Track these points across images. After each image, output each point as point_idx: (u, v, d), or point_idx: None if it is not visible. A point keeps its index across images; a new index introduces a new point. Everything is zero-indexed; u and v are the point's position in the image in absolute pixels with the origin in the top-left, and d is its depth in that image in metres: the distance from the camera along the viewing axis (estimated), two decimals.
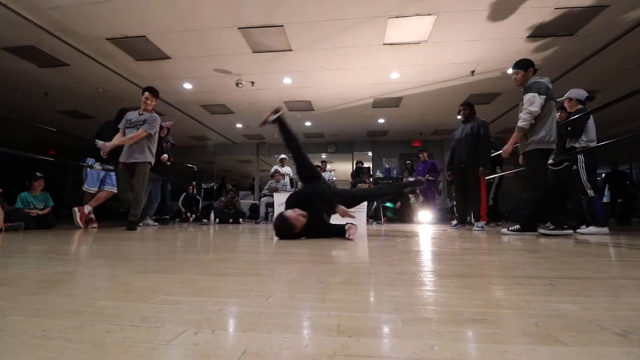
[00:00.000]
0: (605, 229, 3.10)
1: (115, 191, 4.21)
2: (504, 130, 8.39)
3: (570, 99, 3.49)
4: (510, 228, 2.95)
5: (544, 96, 2.70)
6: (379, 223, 6.00)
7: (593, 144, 3.26)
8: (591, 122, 3.33)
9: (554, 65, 5.17)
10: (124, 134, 3.68)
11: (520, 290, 0.83)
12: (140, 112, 3.73)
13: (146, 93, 3.72)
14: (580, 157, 3.27)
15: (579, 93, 3.46)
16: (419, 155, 7.05)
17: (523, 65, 2.90)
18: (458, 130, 4.27)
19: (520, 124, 2.77)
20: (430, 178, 6.68)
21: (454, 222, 4.29)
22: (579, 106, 3.43)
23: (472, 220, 4.29)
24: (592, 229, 3.10)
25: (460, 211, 4.23)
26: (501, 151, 3.01)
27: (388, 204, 7.17)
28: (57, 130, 6.24)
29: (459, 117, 4.36)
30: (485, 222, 3.92)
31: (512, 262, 1.32)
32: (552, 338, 0.51)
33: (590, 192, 3.22)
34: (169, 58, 5.07)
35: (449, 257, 1.47)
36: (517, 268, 1.18)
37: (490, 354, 0.45)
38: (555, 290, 0.83)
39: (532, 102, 2.70)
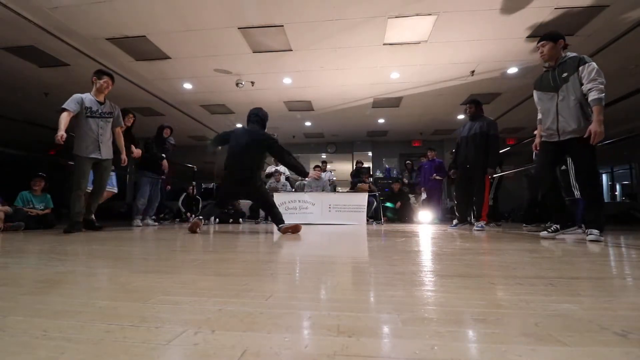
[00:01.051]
0: (580, 230, 3.25)
1: (115, 191, 4.22)
2: (503, 130, 8.39)
3: None
4: (589, 233, 2.34)
5: None
6: (379, 223, 5.99)
7: None
8: None
9: None
10: (70, 118, 3.20)
11: (520, 290, 0.83)
12: (100, 100, 3.33)
13: (105, 77, 3.34)
14: (570, 159, 3.32)
15: None
16: (427, 154, 6.95)
17: (552, 36, 2.55)
18: (464, 127, 4.14)
19: (600, 95, 2.27)
20: (437, 178, 6.65)
21: (455, 221, 4.29)
22: None
23: (473, 220, 4.29)
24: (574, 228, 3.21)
25: (461, 211, 4.21)
26: (592, 131, 2.27)
27: (388, 204, 7.17)
28: (57, 130, 6.25)
29: (465, 115, 4.30)
30: (485, 222, 3.91)
31: (512, 262, 1.32)
32: (552, 338, 0.51)
33: (577, 194, 3.31)
34: (169, 58, 5.07)
35: (449, 257, 1.47)
36: (517, 268, 1.18)
37: (490, 354, 0.45)
38: (555, 290, 0.83)
39: (600, 72, 2.32)
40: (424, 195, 6.79)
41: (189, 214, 6.76)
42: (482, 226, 3.77)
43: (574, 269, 1.17)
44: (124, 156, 3.63)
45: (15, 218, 3.54)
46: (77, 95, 3.25)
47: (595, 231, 2.32)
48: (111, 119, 3.42)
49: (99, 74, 3.37)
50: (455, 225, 4.17)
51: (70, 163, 3.45)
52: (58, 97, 6.51)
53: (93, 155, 3.28)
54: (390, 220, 6.89)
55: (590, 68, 2.35)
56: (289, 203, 5.83)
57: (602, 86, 2.29)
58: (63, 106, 3.18)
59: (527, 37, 4.40)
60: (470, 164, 3.95)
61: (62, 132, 3.05)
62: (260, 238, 2.68)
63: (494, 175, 5.05)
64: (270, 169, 7.36)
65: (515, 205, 8.15)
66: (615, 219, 7.69)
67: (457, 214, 4.30)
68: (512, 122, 7.93)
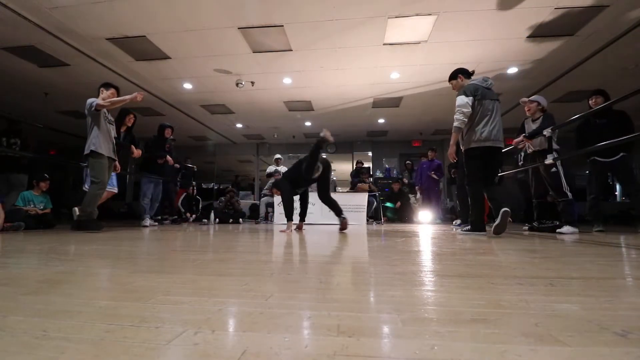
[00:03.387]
0: (577, 229, 3.26)
1: (116, 191, 4.22)
2: (503, 130, 8.38)
3: (538, 103, 3.60)
4: (463, 228, 3.11)
5: (471, 97, 2.80)
6: (379, 223, 5.99)
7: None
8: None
9: (554, 65, 5.17)
10: (90, 120, 3.45)
11: (520, 290, 0.83)
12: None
13: (112, 89, 3.57)
14: (559, 161, 3.32)
15: (544, 101, 3.65)
16: (428, 153, 6.95)
17: (452, 75, 3.13)
18: None
19: (454, 124, 2.85)
20: (434, 176, 6.64)
21: (457, 221, 4.28)
22: (541, 113, 3.60)
23: None
24: (568, 228, 3.21)
25: (464, 211, 4.19)
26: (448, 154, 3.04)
27: (388, 204, 7.17)
28: (57, 130, 6.26)
29: None
30: (485, 222, 3.90)
31: (512, 262, 1.32)
32: (552, 338, 0.51)
33: (569, 195, 3.32)
34: (169, 58, 5.07)
35: (449, 257, 1.47)
36: (517, 268, 1.18)
37: (490, 354, 0.45)
38: (555, 290, 0.83)
39: (462, 103, 2.81)
40: (418, 195, 6.79)
41: (188, 214, 6.76)
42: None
43: (574, 269, 1.17)
44: (117, 163, 3.80)
45: (15, 218, 3.54)
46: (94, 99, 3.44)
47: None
48: (113, 127, 3.69)
49: (107, 86, 3.57)
50: (459, 225, 4.16)
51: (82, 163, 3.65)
52: (58, 97, 6.54)
53: (111, 155, 3.51)
54: (390, 220, 6.89)
55: (457, 100, 2.84)
56: None
57: (461, 115, 2.81)
58: (96, 102, 3.33)
59: (527, 37, 4.40)
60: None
61: (133, 95, 3.39)
62: (260, 238, 2.68)
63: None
64: (270, 169, 7.37)
65: (515, 206, 8.15)
66: (615, 219, 7.69)
67: (460, 214, 4.29)
68: (512, 122, 7.91)
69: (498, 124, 2.85)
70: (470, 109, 2.79)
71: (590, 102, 3.75)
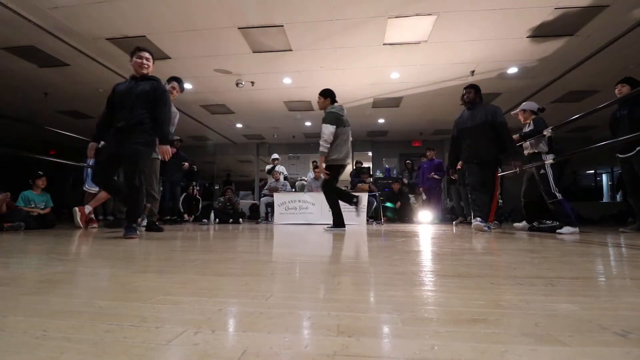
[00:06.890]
0: (577, 229, 3.22)
1: None
2: None
3: (524, 111, 3.73)
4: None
5: (334, 126, 3.28)
6: (379, 223, 5.99)
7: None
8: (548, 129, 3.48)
9: (554, 65, 5.17)
10: None
11: (520, 290, 0.83)
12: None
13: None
14: (548, 163, 3.32)
15: (532, 105, 3.74)
16: (426, 153, 6.96)
17: (325, 93, 3.46)
18: (462, 118, 3.59)
19: (320, 149, 3.33)
20: (435, 177, 6.64)
21: (459, 220, 4.25)
22: (533, 116, 3.66)
23: (478, 220, 4.18)
24: (568, 228, 3.19)
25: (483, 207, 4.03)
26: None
27: (388, 204, 7.16)
28: (57, 130, 6.27)
29: (462, 102, 3.71)
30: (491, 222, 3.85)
31: (512, 262, 1.32)
32: (552, 338, 0.51)
33: (559, 196, 3.29)
34: (169, 58, 5.07)
35: (449, 257, 1.47)
36: (517, 268, 1.18)
37: (490, 354, 0.45)
38: (555, 290, 0.83)
39: (328, 132, 3.27)
40: (424, 196, 6.78)
41: (186, 215, 6.74)
42: (489, 227, 3.60)
43: (574, 269, 1.17)
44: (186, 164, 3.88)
45: (15, 218, 3.54)
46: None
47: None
48: None
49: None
50: (459, 223, 4.11)
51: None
52: (58, 97, 6.54)
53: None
54: (390, 220, 6.89)
55: (322, 128, 3.31)
56: (289, 203, 5.83)
57: (324, 143, 3.29)
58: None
59: (527, 37, 4.40)
60: (481, 160, 3.43)
61: None
62: (260, 238, 2.68)
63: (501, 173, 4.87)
64: (268, 167, 7.42)
65: (515, 206, 8.14)
66: (615, 219, 7.69)
67: (476, 211, 3.59)
68: (511, 122, 7.92)
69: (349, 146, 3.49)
70: (332, 138, 3.29)
71: (615, 91, 3.64)
